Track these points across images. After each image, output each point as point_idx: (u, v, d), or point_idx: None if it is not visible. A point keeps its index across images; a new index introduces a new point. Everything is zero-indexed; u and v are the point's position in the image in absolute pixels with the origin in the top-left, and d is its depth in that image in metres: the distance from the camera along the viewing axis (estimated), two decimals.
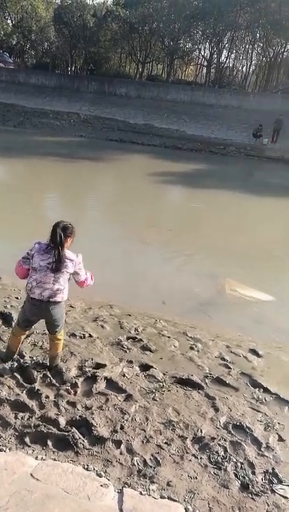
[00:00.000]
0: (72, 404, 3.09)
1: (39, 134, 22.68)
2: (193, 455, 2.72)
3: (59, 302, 3.22)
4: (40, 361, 3.57)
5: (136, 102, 28.75)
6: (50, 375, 3.38)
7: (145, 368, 3.70)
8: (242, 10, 30.71)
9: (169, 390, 3.37)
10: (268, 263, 7.89)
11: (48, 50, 38.59)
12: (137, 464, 2.59)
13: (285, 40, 31.60)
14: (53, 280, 3.12)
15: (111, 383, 3.39)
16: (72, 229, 3.18)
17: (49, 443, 2.68)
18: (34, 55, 40.08)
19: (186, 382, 3.53)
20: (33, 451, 2.60)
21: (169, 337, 4.42)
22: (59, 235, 3.06)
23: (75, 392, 3.23)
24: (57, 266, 3.08)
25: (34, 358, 3.60)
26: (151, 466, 2.58)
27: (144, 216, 10.39)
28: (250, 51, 37.40)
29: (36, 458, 2.54)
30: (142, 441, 2.78)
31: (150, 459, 2.64)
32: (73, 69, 40.85)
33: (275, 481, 2.58)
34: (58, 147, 19.39)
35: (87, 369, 3.53)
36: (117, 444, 2.73)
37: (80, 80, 32.34)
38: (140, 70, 37.30)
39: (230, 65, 39.77)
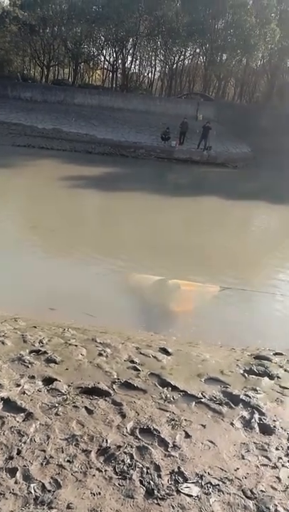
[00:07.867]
0: None
1: None
2: (98, 469, 2.56)
3: None
4: None
5: (42, 106, 27.95)
6: None
7: (48, 381, 3.45)
8: (141, 17, 31.53)
9: (73, 402, 3.17)
10: (164, 257, 8.20)
11: None
12: (34, 490, 2.35)
13: (183, 48, 33.17)
14: None
15: (9, 403, 3.09)
16: None
17: None
18: None
19: (92, 391, 3.36)
20: None
21: (76, 345, 4.22)
22: None
23: None
24: None
25: None
26: (50, 491, 2.36)
27: (42, 219, 10.19)
28: (153, 58, 38.61)
29: None
30: (41, 464, 2.55)
31: (49, 482, 2.42)
32: None
33: (181, 480, 2.53)
34: None
35: None
36: (12, 472, 2.46)
37: None
38: (46, 73, 36.38)
39: (136, 70, 40.70)
